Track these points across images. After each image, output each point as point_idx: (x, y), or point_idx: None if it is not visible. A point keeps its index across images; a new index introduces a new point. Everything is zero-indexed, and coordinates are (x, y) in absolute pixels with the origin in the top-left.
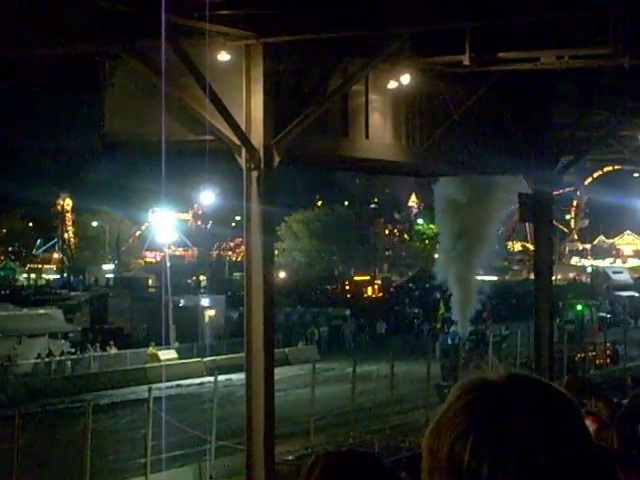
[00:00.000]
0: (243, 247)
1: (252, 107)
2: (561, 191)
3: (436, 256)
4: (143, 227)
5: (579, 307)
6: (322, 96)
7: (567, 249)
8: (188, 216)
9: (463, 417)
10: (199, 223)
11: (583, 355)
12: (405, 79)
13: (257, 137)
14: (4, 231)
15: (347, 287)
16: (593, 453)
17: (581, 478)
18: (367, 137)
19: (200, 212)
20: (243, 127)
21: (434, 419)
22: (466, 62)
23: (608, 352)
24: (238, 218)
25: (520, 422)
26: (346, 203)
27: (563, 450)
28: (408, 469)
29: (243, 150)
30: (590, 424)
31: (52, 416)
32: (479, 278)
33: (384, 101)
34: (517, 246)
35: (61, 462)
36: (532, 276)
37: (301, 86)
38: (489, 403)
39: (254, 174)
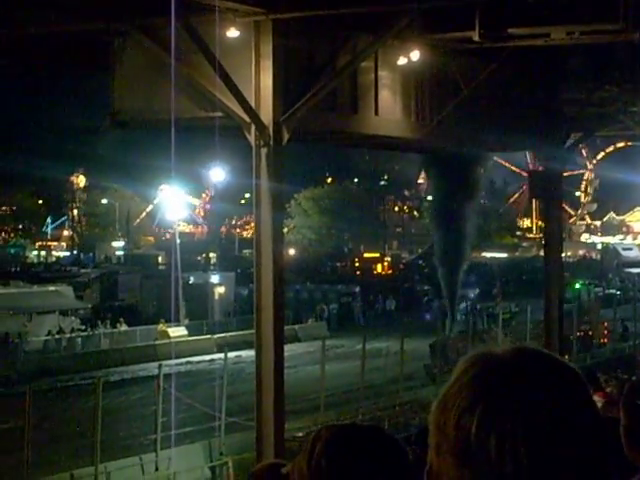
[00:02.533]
0: (253, 224)
1: (261, 84)
2: (572, 172)
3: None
4: (152, 204)
5: (577, 286)
6: (331, 73)
7: (576, 226)
8: (198, 201)
9: (469, 390)
10: (208, 207)
11: (579, 334)
12: (414, 55)
13: (266, 114)
14: (14, 208)
15: (357, 264)
16: (600, 425)
17: (588, 449)
18: (376, 113)
19: (209, 197)
20: (252, 104)
21: (440, 393)
22: (476, 38)
23: (606, 331)
24: (248, 195)
25: (527, 394)
26: (356, 180)
27: (570, 422)
28: (418, 444)
29: (252, 127)
30: (598, 399)
31: (62, 393)
32: (488, 255)
33: (393, 77)
34: (527, 223)
35: (72, 438)
36: (542, 253)
37: (310, 63)
38: (495, 376)
39: (263, 151)
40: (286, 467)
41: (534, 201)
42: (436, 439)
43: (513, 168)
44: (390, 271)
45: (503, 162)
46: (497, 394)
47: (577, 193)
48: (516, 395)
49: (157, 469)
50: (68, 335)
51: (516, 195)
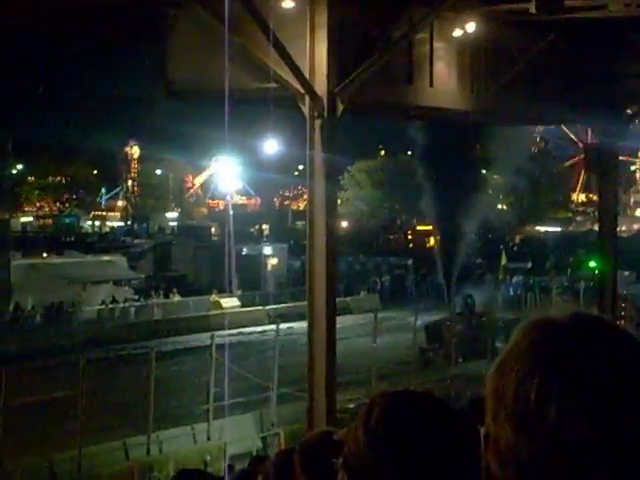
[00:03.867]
0: (306, 196)
1: (316, 55)
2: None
3: (499, 206)
4: (206, 175)
5: (592, 263)
6: (386, 44)
7: (632, 200)
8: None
9: (528, 357)
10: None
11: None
12: (470, 27)
13: (321, 85)
14: (69, 179)
15: (409, 237)
16: None
17: None
18: (431, 85)
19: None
20: (307, 75)
21: (497, 359)
22: (532, 10)
23: (623, 313)
24: (301, 167)
25: (588, 361)
26: (409, 152)
27: (633, 390)
28: (470, 412)
29: (307, 98)
30: None
31: (116, 362)
32: (542, 229)
33: (449, 49)
34: (581, 197)
35: (124, 407)
36: (596, 227)
37: (365, 34)
38: (555, 342)
39: (317, 122)
40: (338, 434)
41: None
42: (493, 405)
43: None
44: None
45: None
46: (557, 361)
47: (632, 167)
48: (577, 362)
49: (209, 439)
50: (121, 305)
51: (569, 162)
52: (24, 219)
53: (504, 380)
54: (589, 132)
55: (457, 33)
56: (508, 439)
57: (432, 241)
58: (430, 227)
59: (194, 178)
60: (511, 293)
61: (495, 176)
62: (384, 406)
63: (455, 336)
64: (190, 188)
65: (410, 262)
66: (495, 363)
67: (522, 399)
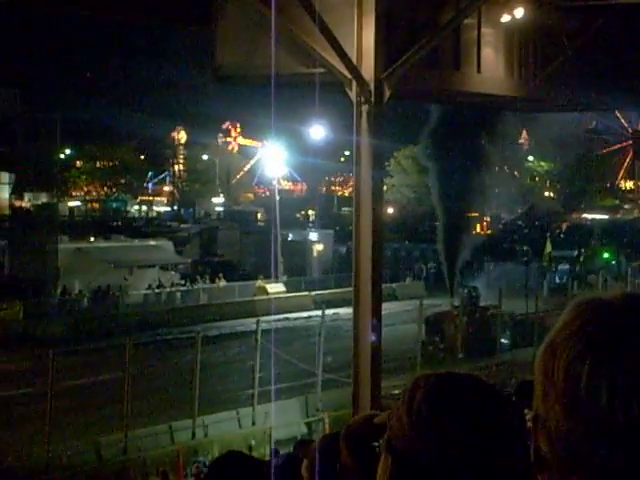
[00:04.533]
0: (352, 182)
1: (363, 40)
2: None
3: (546, 194)
4: (253, 161)
5: (605, 254)
6: (434, 29)
7: None
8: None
9: (579, 338)
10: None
11: None
12: (519, 12)
13: (368, 70)
14: (116, 164)
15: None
16: None
17: None
18: (479, 71)
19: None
20: (354, 60)
21: (546, 339)
22: None
23: None
24: (347, 153)
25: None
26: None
27: None
28: (519, 395)
29: (354, 83)
30: None
31: (162, 346)
32: (589, 216)
33: (497, 35)
34: (629, 184)
35: (170, 391)
36: None
37: (413, 19)
38: (606, 323)
39: (364, 108)
40: (379, 417)
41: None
42: (543, 386)
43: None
44: (489, 231)
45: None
46: (609, 342)
47: None
48: (628, 343)
49: (254, 424)
50: (168, 289)
51: (615, 147)
52: (72, 203)
53: (554, 361)
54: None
55: (505, 18)
56: (558, 420)
57: (478, 228)
58: (476, 214)
59: (241, 164)
60: (557, 281)
61: (542, 163)
62: (428, 387)
63: (457, 330)
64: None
65: None
66: (544, 343)
67: (573, 380)
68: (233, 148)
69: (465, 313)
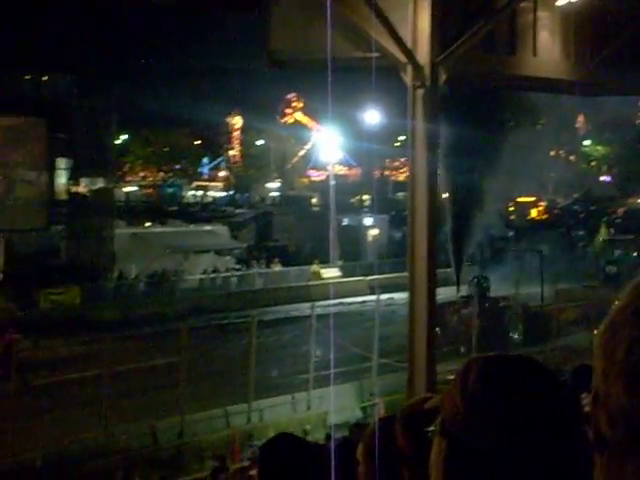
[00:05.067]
0: (407, 167)
1: (419, 24)
2: None
3: (601, 178)
4: (307, 146)
5: None
6: (489, 13)
7: None
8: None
9: None
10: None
11: None
12: None
13: (423, 55)
14: (172, 149)
15: (511, 208)
16: None
17: None
18: (535, 55)
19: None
20: (409, 44)
21: (606, 318)
22: None
23: None
24: (402, 138)
25: None
26: (511, 123)
27: None
28: (575, 377)
29: (409, 68)
30: None
31: (217, 331)
32: None
33: (553, 18)
34: None
35: (225, 376)
36: None
37: (468, 3)
38: None
39: (419, 92)
40: (430, 402)
41: None
42: (603, 365)
43: None
44: (545, 216)
45: None
46: None
47: None
48: None
49: (309, 408)
50: (223, 274)
51: None
52: (128, 189)
53: (615, 340)
54: None
55: (561, 2)
56: (619, 400)
57: (534, 213)
58: (532, 199)
59: (296, 149)
60: (610, 267)
61: (598, 147)
62: (481, 368)
63: (460, 322)
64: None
65: (511, 234)
66: (604, 323)
67: (634, 362)
68: (291, 120)
69: (470, 304)
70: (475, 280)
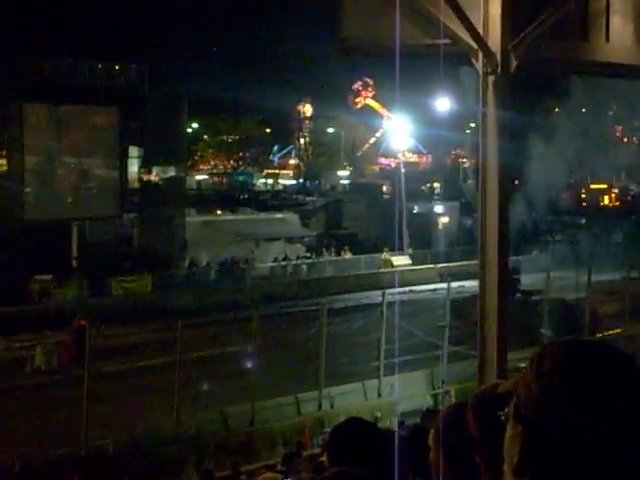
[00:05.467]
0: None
1: (490, 10)
2: None
3: None
4: (378, 133)
5: None
6: None
7: None
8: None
9: None
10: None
11: None
12: None
13: (494, 41)
14: (242, 137)
15: (583, 195)
16: None
17: None
18: (607, 41)
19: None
20: (480, 31)
21: None
22: None
23: None
24: (473, 125)
25: None
26: (583, 110)
27: None
28: None
29: (480, 54)
30: None
31: (287, 318)
32: None
33: (626, 3)
34: None
35: (296, 363)
36: None
37: None
38: None
39: (490, 79)
40: (503, 385)
41: None
42: None
43: None
44: (617, 203)
45: None
46: None
47: None
48: None
49: (380, 395)
50: (293, 262)
51: None
52: (199, 177)
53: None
54: None
55: None
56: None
57: (606, 199)
58: (604, 185)
59: (366, 136)
60: None
61: None
62: (557, 352)
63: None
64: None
65: (583, 221)
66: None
67: None
68: (362, 107)
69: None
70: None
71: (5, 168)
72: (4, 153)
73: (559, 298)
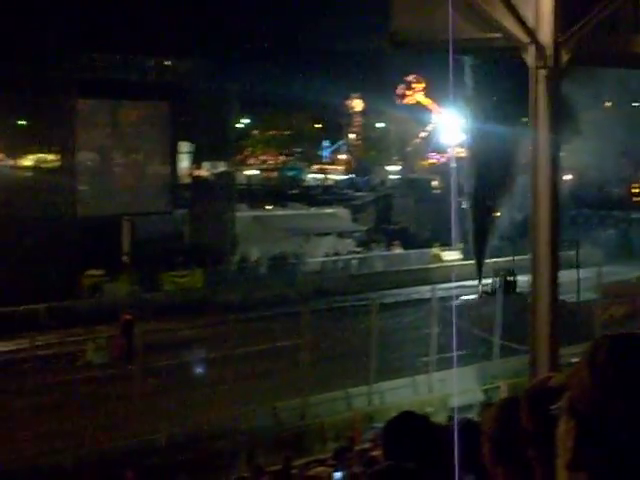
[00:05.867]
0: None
1: (541, 3)
2: None
3: None
4: (428, 128)
5: None
6: None
7: None
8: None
9: None
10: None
11: None
12: None
13: (545, 35)
14: (293, 132)
15: (635, 190)
16: None
17: None
18: None
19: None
20: (532, 24)
21: None
22: None
23: None
24: (524, 119)
25: None
26: (634, 104)
27: None
28: None
29: (531, 48)
30: None
31: (338, 313)
32: None
33: None
34: None
35: (346, 358)
36: None
37: None
38: None
39: (541, 73)
40: (556, 379)
41: None
42: None
43: None
44: None
45: None
46: None
47: None
48: None
49: (430, 390)
50: (343, 257)
51: None
52: (249, 172)
53: None
54: None
55: None
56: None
57: None
58: None
59: (416, 131)
60: None
61: None
62: (611, 347)
63: (482, 320)
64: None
65: (635, 216)
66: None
67: None
68: (412, 102)
69: (493, 301)
70: (500, 274)
71: (58, 164)
72: (57, 149)
73: (560, 300)
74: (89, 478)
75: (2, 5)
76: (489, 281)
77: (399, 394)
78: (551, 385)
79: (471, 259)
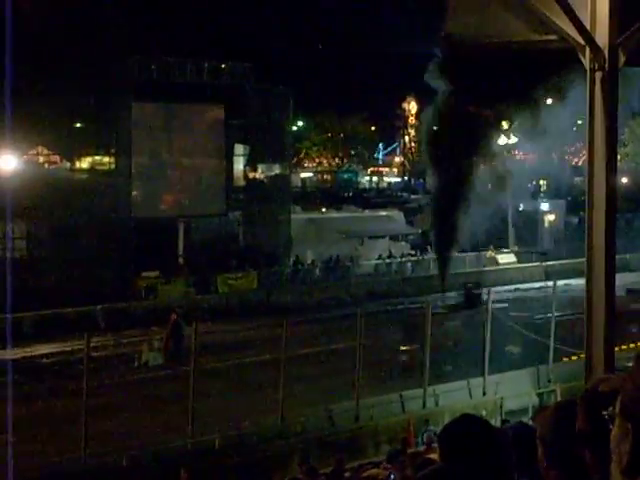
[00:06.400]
0: (584, 151)
1: (598, 5)
2: None
3: None
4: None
5: None
6: None
7: None
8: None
9: None
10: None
11: None
12: None
13: (602, 36)
14: (348, 134)
15: None
16: None
17: None
18: None
19: None
20: (587, 25)
21: None
22: None
23: None
24: (580, 122)
25: None
26: None
27: None
28: None
29: (587, 50)
30: None
31: (392, 316)
32: None
33: None
34: None
35: (397, 360)
36: None
37: None
38: None
39: (598, 75)
40: (610, 382)
41: None
42: None
43: None
44: None
45: None
46: None
47: None
48: None
49: (485, 394)
50: (398, 259)
51: None
52: (304, 174)
53: None
54: None
55: None
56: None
57: None
58: None
59: None
60: None
61: None
62: None
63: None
64: None
65: None
66: None
67: None
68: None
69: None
70: (469, 288)
71: (114, 167)
72: (113, 152)
73: (527, 315)
74: (144, 478)
75: (56, 9)
76: (540, 285)
77: (453, 397)
78: (606, 388)
79: (526, 262)
